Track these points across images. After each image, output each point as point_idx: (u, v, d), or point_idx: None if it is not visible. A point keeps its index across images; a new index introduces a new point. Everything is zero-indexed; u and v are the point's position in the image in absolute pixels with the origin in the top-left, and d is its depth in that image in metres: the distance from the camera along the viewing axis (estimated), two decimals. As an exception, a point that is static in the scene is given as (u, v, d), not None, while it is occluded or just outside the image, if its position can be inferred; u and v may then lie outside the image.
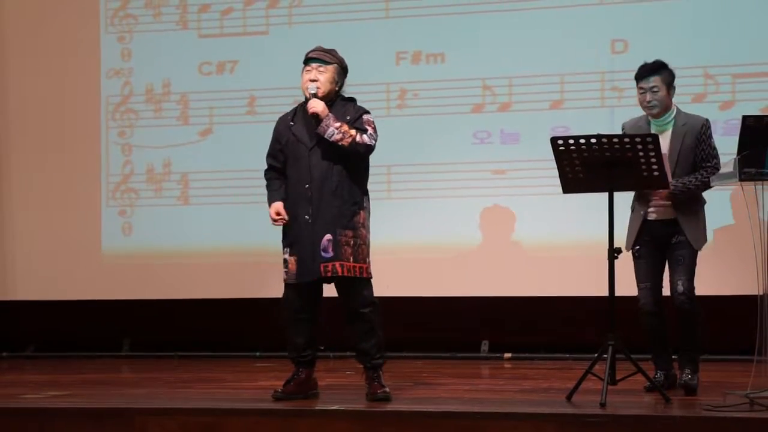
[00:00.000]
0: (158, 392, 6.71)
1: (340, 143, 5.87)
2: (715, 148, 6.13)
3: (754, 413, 5.21)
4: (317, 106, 5.90)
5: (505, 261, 8.37)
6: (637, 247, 6.13)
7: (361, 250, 5.94)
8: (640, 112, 6.26)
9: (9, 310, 9.28)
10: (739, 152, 5.47)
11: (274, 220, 6.01)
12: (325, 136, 5.87)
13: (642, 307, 6.12)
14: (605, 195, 5.85)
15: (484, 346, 8.54)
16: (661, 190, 6.01)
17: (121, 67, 9.21)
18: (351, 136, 5.88)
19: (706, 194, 6.16)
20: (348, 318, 5.98)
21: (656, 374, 6.17)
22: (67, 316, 9.16)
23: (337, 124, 5.88)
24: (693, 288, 6.05)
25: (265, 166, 6.18)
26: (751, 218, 5.58)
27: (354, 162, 5.96)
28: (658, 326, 6.15)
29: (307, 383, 6.09)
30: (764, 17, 7.97)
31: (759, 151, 5.42)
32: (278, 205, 6.00)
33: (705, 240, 6.14)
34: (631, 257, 6.16)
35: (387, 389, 5.94)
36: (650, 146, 5.67)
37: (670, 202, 6.06)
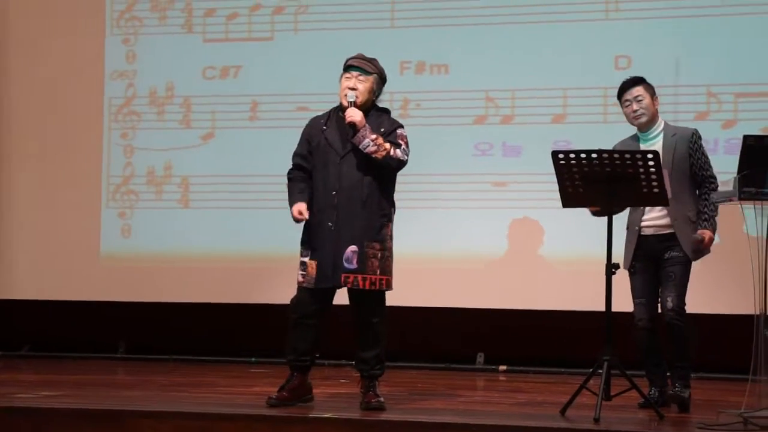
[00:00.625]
0: (152, 395, 6.71)
1: (374, 155, 5.85)
2: (707, 157, 6.16)
3: (747, 433, 5.22)
4: (355, 115, 5.86)
5: (502, 274, 8.36)
6: (633, 263, 6.14)
7: (388, 263, 5.95)
8: (639, 129, 6.29)
9: (4, 309, 9.28)
10: (739, 171, 5.47)
11: (297, 220, 5.95)
12: (360, 147, 5.85)
13: (637, 322, 6.13)
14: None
15: (480, 358, 8.54)
16: (702, 232, 6.01)
17: (125, 69, 9.21)
18: (385, 149, 5.87)
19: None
20: (356, 325, 5.97)
21: (651, 391, 6.17)
22: (64, 317, 9.16)
23: (373, 136, 5.86)
24: (683, 304, 6.04)
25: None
26: (749, 238, 5.59)
27: (384, 173, 5.96)
28: (653, 342, 6.15)
29: (300, 389, 6.05)
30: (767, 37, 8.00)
31: (759, 171, 5.43)
32: (302, 205, 5.92)
33: (707, 251, 6.14)
34: (627, 274, 6.17)
35: (382, 399, 5.94)
36: (651, 163, 5.67)
37: (669, 218, 6.05)
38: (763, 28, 8.00)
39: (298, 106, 8.64)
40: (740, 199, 5.45)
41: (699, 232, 6.05)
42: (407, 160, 5.99)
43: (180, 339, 8.97)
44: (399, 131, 5.99)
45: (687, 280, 6.07)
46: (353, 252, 5.84)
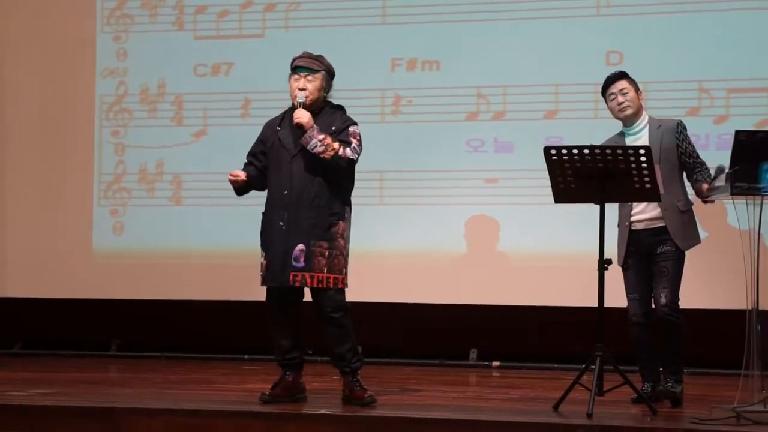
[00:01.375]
0: (145, 392, 6.70)
1: (321, 155, 5.87)
2: (694, 145, 6.16)
3: (740, 427, 5.22)
4: (303, 116, 5.89)
5: (495, 270, 8.37)
6: (626, 258, 6.14)
7: (337, 261, 5.93)
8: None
9: (-3, 307, 9.28)
10: (731, 166, 5.48)
11: (230, 180, 6.14)
12: (308, 148, 5.87)
13: (631, 318, 6.13)
14: (596, 206, 5.86)
15: (473, 354, 8.55)
16: (699, 185, 5.99)
17: (116, 66, 9.20)
18: (334, 149, 5.87)
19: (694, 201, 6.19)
20: (321, 323, 5.97)
21: (644, 386, 6.17)
22: (56, 315, 9.15)
23: (321, 137, 5.87)
24: (677, 300, 6.04)
25: None
26: (741, 233, 5.60)
27: (336, 173, 5.95)
28: (646, 338, 6.15)
29: (294, 387, 6.07)
30: (759, 32, 8.00)
31: (751, 166, 5.44)
32: (237, 171, 6.12)
33: (697, 240, 6.13)
34: (620, 269, 6.17)
35: (371, 393, 5.96)
36: (643, 158, 5.67)
37: (658, 210, 6.05)
38: (755, 24, 8.02)
39: (289, 104, 8.63)
40: (732, 194, 5.46)
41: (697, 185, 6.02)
42: (357, 158, 5.98)
43: (172, 336, 8.96)
44: (351, 129, 6.00)
45: (680, 275, 6.08)
46: (301, 251, 5.88)
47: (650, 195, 5.82)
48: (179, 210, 9.03)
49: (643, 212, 6.12)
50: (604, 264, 5.81)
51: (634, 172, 5.71)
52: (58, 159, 9.22)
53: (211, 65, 9.01)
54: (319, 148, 5.86)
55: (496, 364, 8.44)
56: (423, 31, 8.61)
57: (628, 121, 6.18)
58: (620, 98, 6.15)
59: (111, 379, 7.83)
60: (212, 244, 8.90)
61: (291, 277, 5.87)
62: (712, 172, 5.86)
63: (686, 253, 6.09)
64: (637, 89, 6.20)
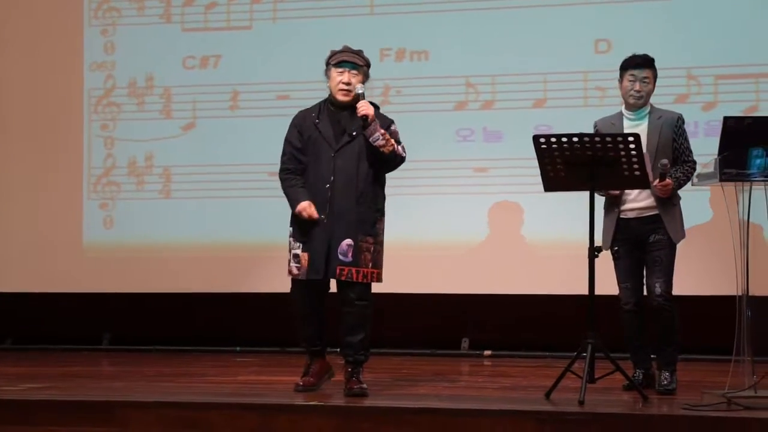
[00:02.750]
0: (137, 386, 6.69)
1: (381, 149, 5.92)
2: (689, 143, 6.17)
3: (731, 413, 5.23)
4: (369, 109, 5.91)
5: (485, 259, 8.38)
6: (616, 248, 6.14)
7: (379, 257, 6.03)
8: (622, 112, 6.29)
9: (-12, 302, 9.26)
10: (719, 153, 5.49)
11: (306, 217, 5.90)
12: (370, 140, 5.90)
13: (623, 306, 6.14)
14: (586, 194, 5.87)
15: (465, 343, 8.57)
16: (657, 183, 5.99)
17: (104, 60, 9.19)
18: (392, 145, 5.95)
19: (681, 191, 6.19)
20: (344, 309, 6.00)
21: (635, 373, 6.19)
22: (47, 309, 9.14)
23: (382, 131, 5.93)
24: (671, 288, 6.07)
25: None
26: (731, 219, 5.61)
27: (379, 168, 6.01)
28: (638, 325, 6.17)
29: (321, 373, 6.17)
30: (747, 19, 8.02)
31: (739, 152, 5.45)
32: (308, 204, 5.89)
33: (683, 235, 6.16)
34: (611, 257, 6.18)
35: (365, 385, 5.97)
36: (632, 146, 5.68)
37: (651, 199, 6.07)
38: (743, 10, 8.03)
39: (279, 95, 8.65)
40: (721, 180, 5.48)
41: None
42: (405, 157, 6.08)
43: (164, 329, 8.97)
44: (394, 127, 6.06)
45: (673, 264, 6.09)
46: (348, 245, 5.90)
47: (639, 182, 5.82)
48: (169, 203, 9.02)
49: (636, 201, 6.12)
50: (594, 252, 5.82)
51: (624, 159, 5.71)
52: (47, 153, 9.20)
53: (200, 58, 9.00)
54: (381, 142, 5.90)
55: (487, 353, 8.45)
56: (411, 21, 8.60)
57: (634, 107, 6.16)
58: (638, 86, 6.10)
59: (103, 373, 7.83)
60: (202, 236, 8.90)
61: (338, 271, 5.90)
62: (702, 169, 5.83)
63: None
64: (655, 82, 6.16)
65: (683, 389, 6.09)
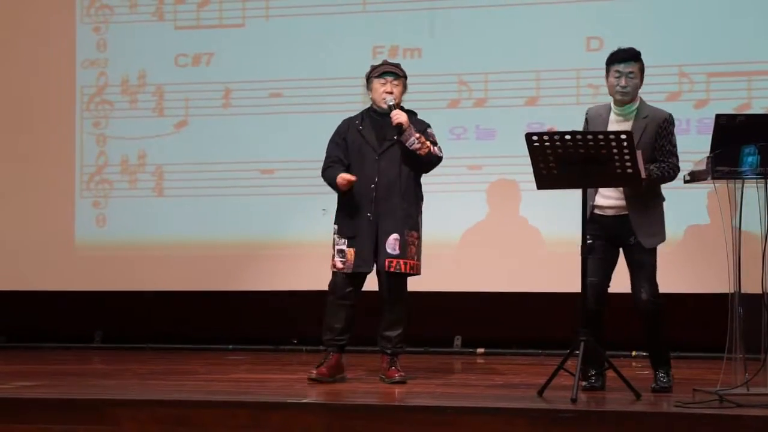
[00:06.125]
0: (130, 384, 6.70)
1: (418, 152, 6.42)
2: (675, 146, 6.03)
3: (723, 410, 5.24)
4: (402, 117, 6.41)
5: (479, 257, 8.38)
6: (590, 240, 5.91)
7: (419, 250, 6.55)
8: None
9: (-21, 301, 9.24)
10: (712, 151, 5.50)
11: (345, 185, 6.39)
12: (407, 144, 6.41)
13: (584, 302, 5.85)
14: (578, 191, 5.86)
15: (457, 341, 8.57)
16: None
17: (96, 57, 9.17)
18: (428, 147, 6.45)
19: (677, 191, 6.17)
20: (387, 305, 6.50)
21: (590, 375, 6.03)
22: (39, 307, 9.12)
23: (417, 135, 6.42)
24: (656, 290, 5.98)
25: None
26: (723, 217, 5.61)
27: (418, 169, 6.53)
28: (596, 324, 5.95)
29: (336, 367, 6.50)
30: (739, 16, 8.02)
31: (732, 150, 5.46)
32: (345, 173, 6.39)
33: (662, 238, 6.03)
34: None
35: (404, 374, 6.46)
36: (625, 143, 5.68)
37: (621, 197, 5.99)
38: (734, 7, 8.04)
39: (271, 92, 8.65)
40: (713, 178, 5.48)
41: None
42: (443, 157, 6.55)
43: (156, 327, 8.96)
44: (430, 130, 6.58)
45: (656, 266, 5.98)
46: (396, 239, 6.41)
47: (632, 180, 5.80)
48: (162, 201, 9.01)
49: (607, 198, 6.03)
50: (586, 249, 5.81)
51: (616, 157, 5.70)
52: (39, 151, 9.18)
53: (192, 55, 8.99)
54: (416, 145, 6.40)
55: (480, 350, 8.46)
56: (404, 18, 8.60)
57: (622, 102, 6.11)
58: (624, 81, 6.02)
59: (96, 371, 7.82)
60: (195, 234, 8.89)
61: (387, 263, 6.40)
62: (695, 166, 5.79)
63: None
64: (642, 76, 6.08)
65: (676, 387, 6.09)
